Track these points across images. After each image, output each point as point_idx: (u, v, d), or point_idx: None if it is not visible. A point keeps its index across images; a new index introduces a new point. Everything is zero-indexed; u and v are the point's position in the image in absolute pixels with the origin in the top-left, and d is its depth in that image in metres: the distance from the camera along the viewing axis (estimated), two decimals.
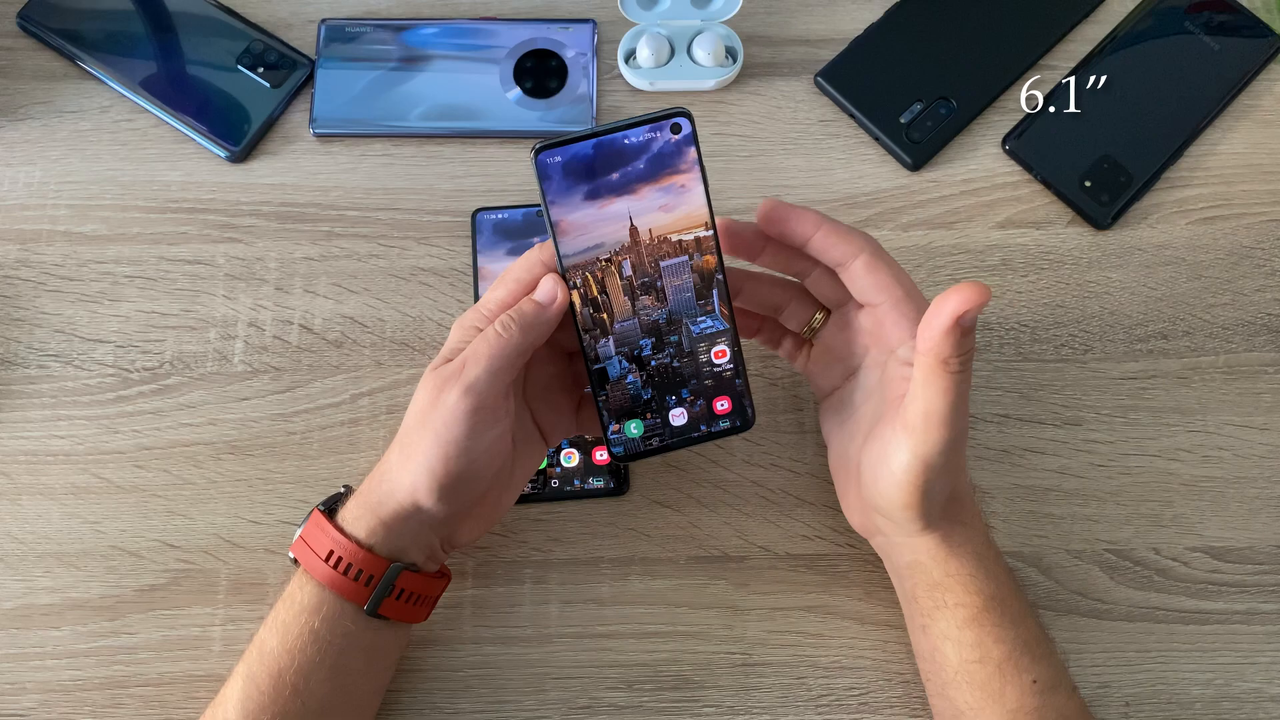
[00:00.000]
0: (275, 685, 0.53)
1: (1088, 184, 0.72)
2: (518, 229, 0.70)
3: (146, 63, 0.74)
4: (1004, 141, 0.74)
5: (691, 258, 0.55)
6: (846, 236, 0.54)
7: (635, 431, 0.57)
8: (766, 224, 0.55)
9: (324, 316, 0.69)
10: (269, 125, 0.73)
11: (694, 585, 0.64)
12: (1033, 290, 0.70)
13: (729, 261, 0.56)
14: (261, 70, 0.74)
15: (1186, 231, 0.72)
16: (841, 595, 0.64)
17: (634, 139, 0.52)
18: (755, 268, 0.58)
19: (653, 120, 0.53)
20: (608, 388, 0.56)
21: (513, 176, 0.73)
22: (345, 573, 0.53)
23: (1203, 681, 0.63)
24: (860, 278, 0.54)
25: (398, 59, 0.75)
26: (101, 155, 0.73)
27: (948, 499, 0.55)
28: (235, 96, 0.74)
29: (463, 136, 0.74)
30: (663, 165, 0.53)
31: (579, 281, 0.54)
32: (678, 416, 0.57)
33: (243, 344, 0.69)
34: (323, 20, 0.76)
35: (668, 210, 0.54)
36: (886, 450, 0.53)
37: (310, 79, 0.75)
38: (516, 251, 0.70)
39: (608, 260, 0.54)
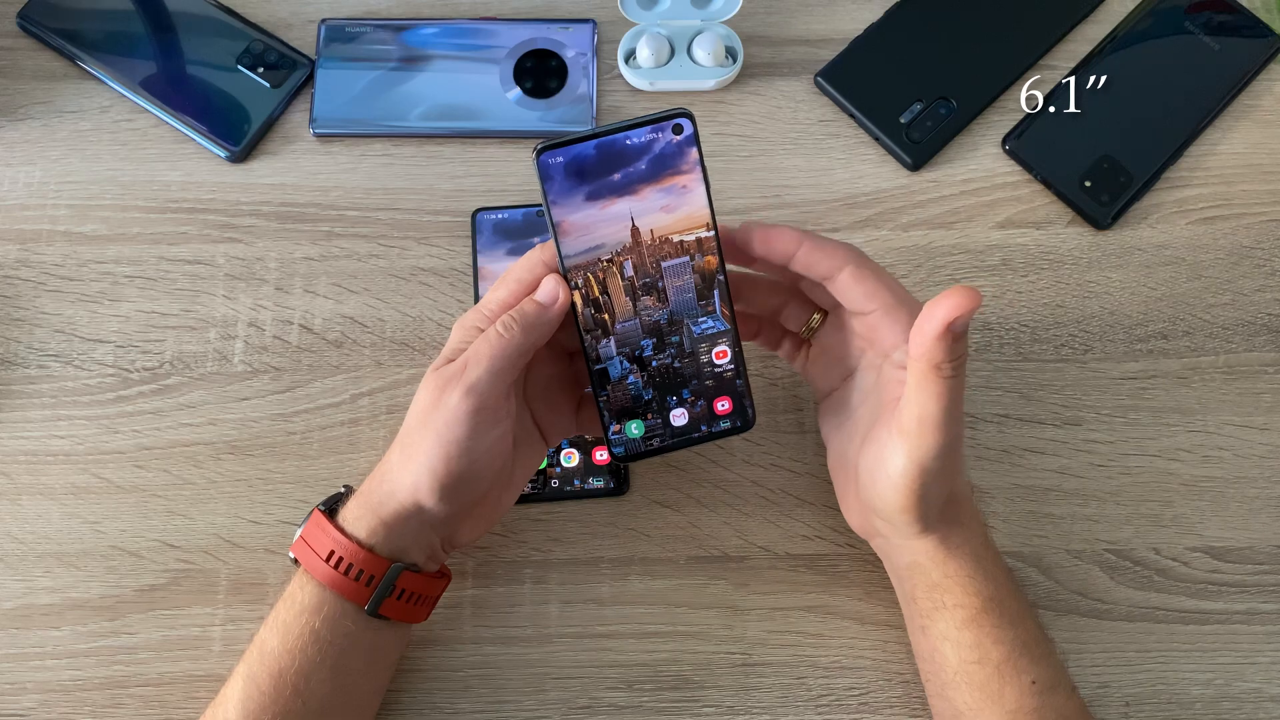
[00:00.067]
0: (276, 685, 0.53)
1: (1088, 184, 0.72)
2: (518, 229, 0.70)
3: (146, 63, 0.74)
4: (1004, 141, 0.74)
5: (693, 258, 0.55)
6: (829, 251, 0.54)
7: (636, 432, 0.57)
8: (746, 248, 0.55)
9: (324, 316, 0.69)
10: (269, 125, 0.73)
11: (694, 585, 0.64)
12: (1033, 290, 0.71)
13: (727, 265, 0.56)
14: (261, 70, 0.74)
15: (1186, 231, 0.72)
16: (841, 595, 0.64)
17: (636, 139, 0.52)
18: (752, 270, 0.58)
19: (654, 121, 0.53)
20: (609, 388, 0.56)
21: (513, 176, 0.73)
22: (346, 573, 0.53)
23: (1203, 681, 0.63)
24: (848, 289, 0.54)
25: (398, 59, 0.75)
26: (101, 155, 0.73)
27: (945, 501, 0.55)
28: (235, 96, 0.74)
29: (463, 136, 0.74)
30: (664, 166, 0.53)
31: (580, 282, 0.54)
32: (678, 417, 0.57)
33: (243, 344, 0.69)
34: (323, 20, 0.76)
35: (669, 211, 0.54)
36: (883, 454, 0.53)
37: (310, 79, 0.75)
38: (516, 252, 0.70)
39: (609, 261, 0.54)
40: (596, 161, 0.52)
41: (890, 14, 0.77)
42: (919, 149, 0.73)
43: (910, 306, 0.53)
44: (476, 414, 0.51)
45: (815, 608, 0.64)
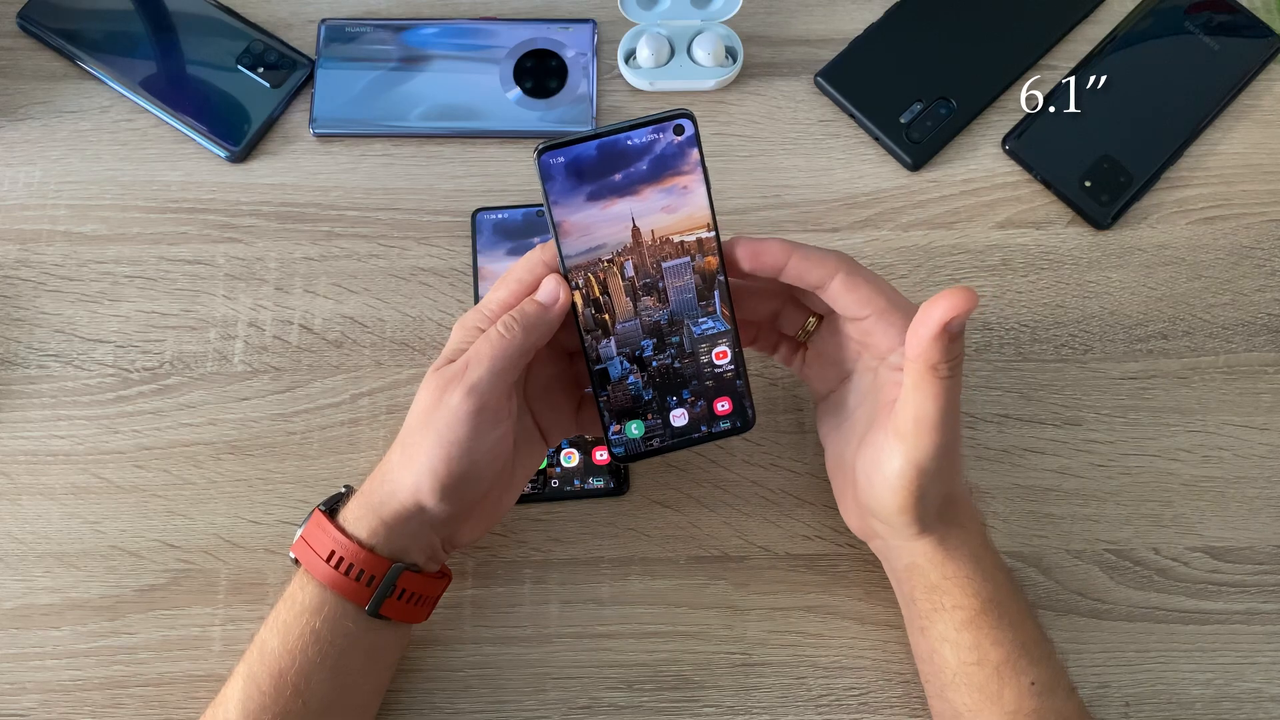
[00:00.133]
0: (276, 685, 0.53)
1: (1088, 184, 0.72)
2: (518, 229, 0.70)
3: (146, 63, 0.74)
4: (1004, 141, 0.74)
5: (693, 259, 0.55)
6: (818, 260, 0.54)
7: (636, 432, 0.57)
8: (734, 265, 0.55)
9: (324, 316, 0.69)
10: (269, 125, 0.73)
11: (694, 585, 0.64)
12: (1033, 290, 0.71)
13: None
14: (261, 70, 0.74)
15: (1186, 231, 0.72)
16: (841, 595, 0.64)
17: (637, 140, 0.53)
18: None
19: (656, 121, 0.53)
20: (609, 388, 0.56)
21: (513, 176, 0.73)
22: (346, 573, 0.53)
23: (1203, 681, 0.63)
24: (841, 297, 0.54)
25: (398, 59, 0.75)
26: (101, 155, 0.73)
27: (943, 502, 0.55)
28: (235, 96, 0.74)
29: (463, 136, 0.74)
30: (665, 166, 0.53)
31: (581, 282, 0.54)
32: (678, 417, 0.57)
33: (243, 344, 0.69)
34: (323, 20, 0.76)
35: (670, 211, 0.54)
36: (880, 456, 0.53)
37: (310, 79, 0.75)
38: (516, 251, 0.70)
39: (610, 261, 0.54)
40: (597, 162, 0.52)
41: (890, 14, 0.77)
42: (919, 149, 0.73)
43: (904, 309, 0.53)
44: (477, 414, 0.51)
45: (815, 608, 0.64)
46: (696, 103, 0.74)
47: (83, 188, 0.72)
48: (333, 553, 0.53)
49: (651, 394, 0.56)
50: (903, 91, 0.74)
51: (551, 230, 0.53)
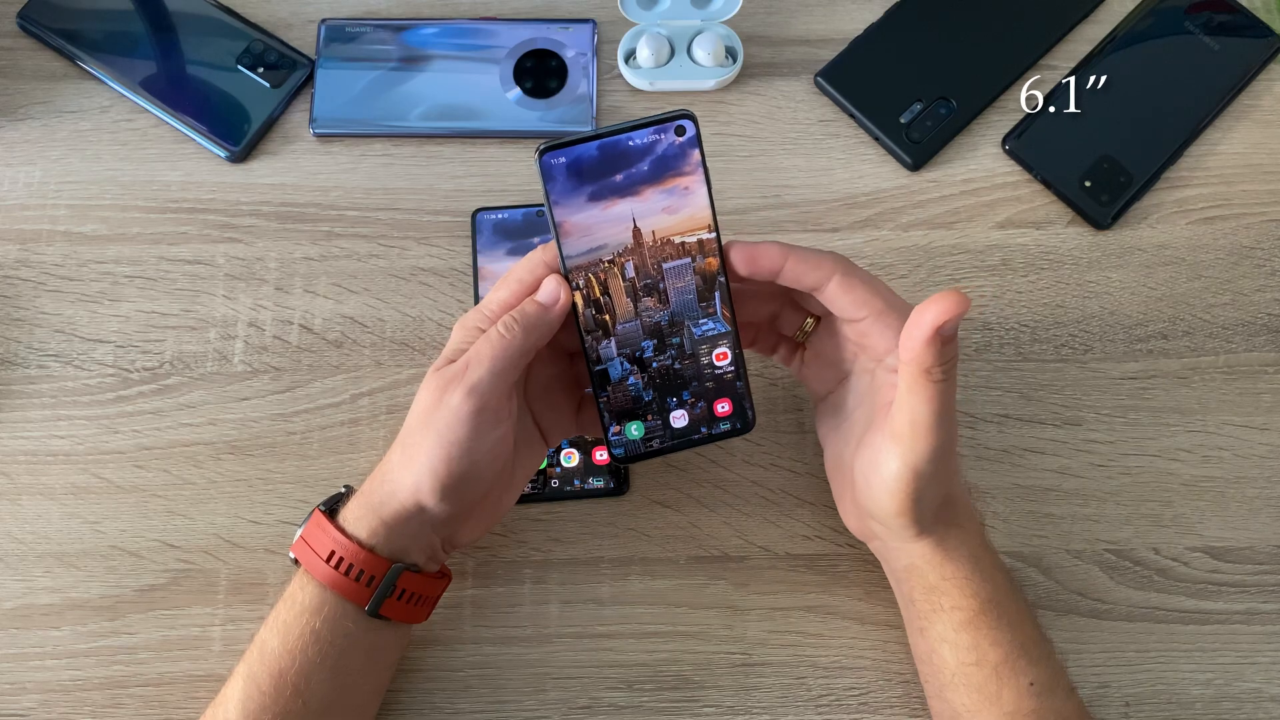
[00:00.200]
0: (276, 685, 0.53)
1: (1088, 184, 0.72)
2: (518, 229, 0.70)
3: (146, 63, 0.74)
4: (1004, 141, 0.74)
5: (694, 260, 0.55)
6: (815, 262, 0.54)
7: (636, 433, 0.57)
8: (730, 269, 0.55)
9: (324, 316, 0.69)
10: (269, 125, 0.73)
11: (694, 585, 0.64)
12: (1033, 290, 0.71)
13: None
14: (261, 70, 0.74)
15: (1186, 231, 0.72)
16: (841, 595, 0.64)
17: (638, 141, 0.53)
18: None
19: (657, 122, 0.53)
20: (609, 389, 0.56)
21: (513, 176, 0.73)
22: (346, 573, 0.53)
23: (1203, 681, 0.63)
24: (837, 299, 0.54)
25: (398, 59, 0.75)
26: (101, 155, 0.73)
27: (941, 503, 0.55)
28: (235, 96, 0.73)
29: (463, 136, 0.74)
30: (666, 167, 0.53)
31: (582, 283, 0.54)
32: (678, 418, 0.57)
33: (243, 344, 0.69)
34: (323, 20, 0.76)
35: (671, 212, 0.54)
36: (877, 458, 0.53)
37: (310, 79, 0.75)
38: (516, 251, 0.70)
39: (610, 262, 0.54)
40: (599, 162, 0.52)
41: (890, 14, 0.77)
42: (919, 149, 0.73)
43: (901, 311, 0.53)
44: (478, 415, 0.51)
45: (815, 608, 0.64)
46: (696, 103, 0.74)
47: (83, 188, 0.72)
48: (333, 553, 0.53)
49: (651, 395, 0.56)
50: (903, 91, 0.74)
51: (552, 230, 0.53)
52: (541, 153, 0.52)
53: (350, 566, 0.53)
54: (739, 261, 0.54)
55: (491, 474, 0.54)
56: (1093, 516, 0.66)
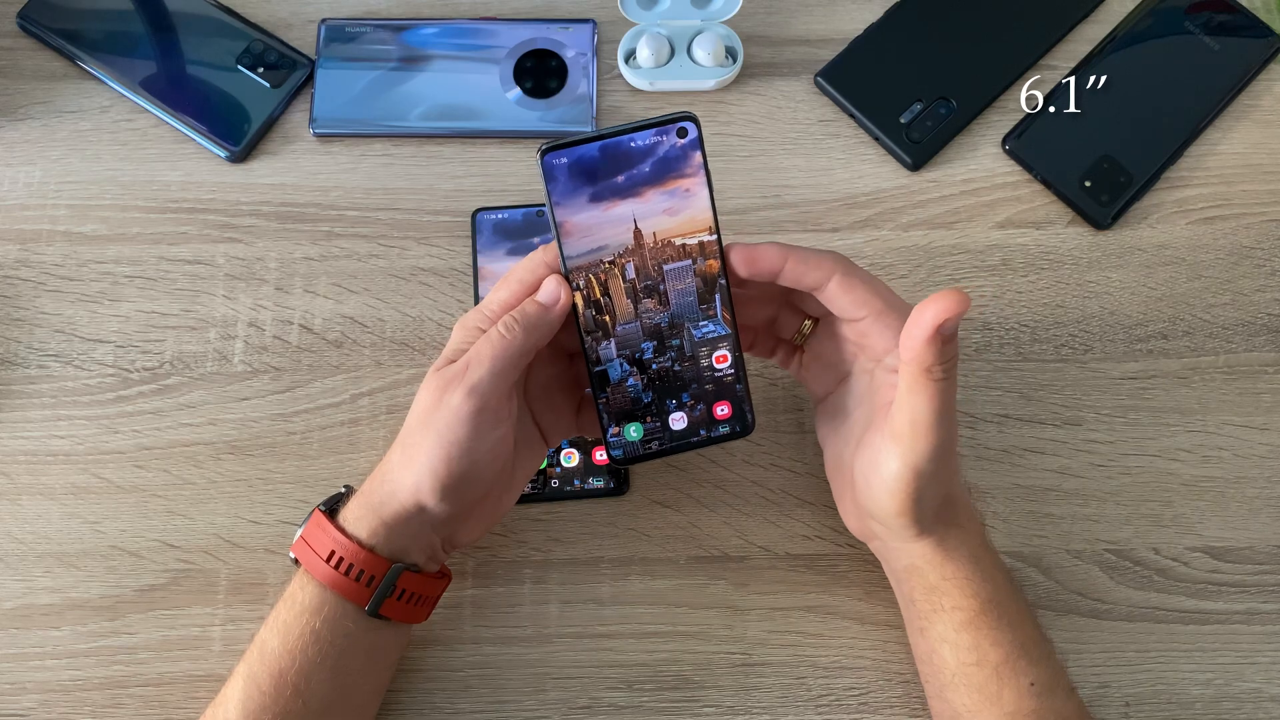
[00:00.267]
0: (276, 685, 0.53)
1: (1088, 184, 0.72)
2: (518, 229, 0.70)
3: (146, 63, 0.74)
4: (1004, 141, 0.74)
5: (695, 262, 0.55)
6: (815, 262, 0.54)
7: (635, 435, 0.57)
8: (730, 271, 0.55)
9: (324, 316, 0.69)
10: (269, 125, 0.73)
11: (694, 585, 0.64)
12: (1033, 290, 0.71)
13: None
14: (261, 70, 0.74)
15: (1186, 231, 0.72)
16: (841, 595, 0.64)
17: (640, 142, 0.53)
18: None
19: (659, 123, 0.53)
20: (608, 390, 0.56)
21: (513, 176, 0.73)
22: (346, 573, 0.53)
23: (1203, 681, 0.63)
24: (837, 298, 0.54)
25: (398, 59, 0.75)
26: (101, 155, 0.73)
27: (941, 503, 0.55)
28: (235, 96, 0.73)
29: (463, 136, 0.74)
30: (668, 169, 0.53)
31: (582, 283, 0.54)
32: (677, 420, 0.57)
33: (243, 344, 0.69)
34: (323, 20, 0.76)
35: (672, 214, 0.54)
36: (877, 458, 0.53)
37: (310, 79, 0.74)
38: (516, 252, 0.70)
39: (611, 262, 0.54)
40: (600, 163, 0.52)
41: (890, 14, 0.77)
42: (919, 149, 0.73)
43: (901, 310, 0.53)
44: (478, 415, 0.51)
45: (815, 608, 0.64)
46: (696, 103, 0.74)
47: (83, 188, 0.72)
48: (333, 553, 0.53)
49: (651, 397, 0.56)
50: (903, 91, 0.74)
51: (553, 230, 0.53)
52: (543, 152, 0.52)
53: (350, 566, 0.53)
54: (739, 263, 0.54)
55: (491, 474, 0.54)
56: (1093, 516, 0.66)
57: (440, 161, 0.73)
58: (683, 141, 0.53)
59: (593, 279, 0.54)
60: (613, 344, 0.55)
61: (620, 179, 0.53)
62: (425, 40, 0.75)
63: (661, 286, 0.55)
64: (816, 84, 0.75)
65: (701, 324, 0.56)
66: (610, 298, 0.55)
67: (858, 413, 0.57)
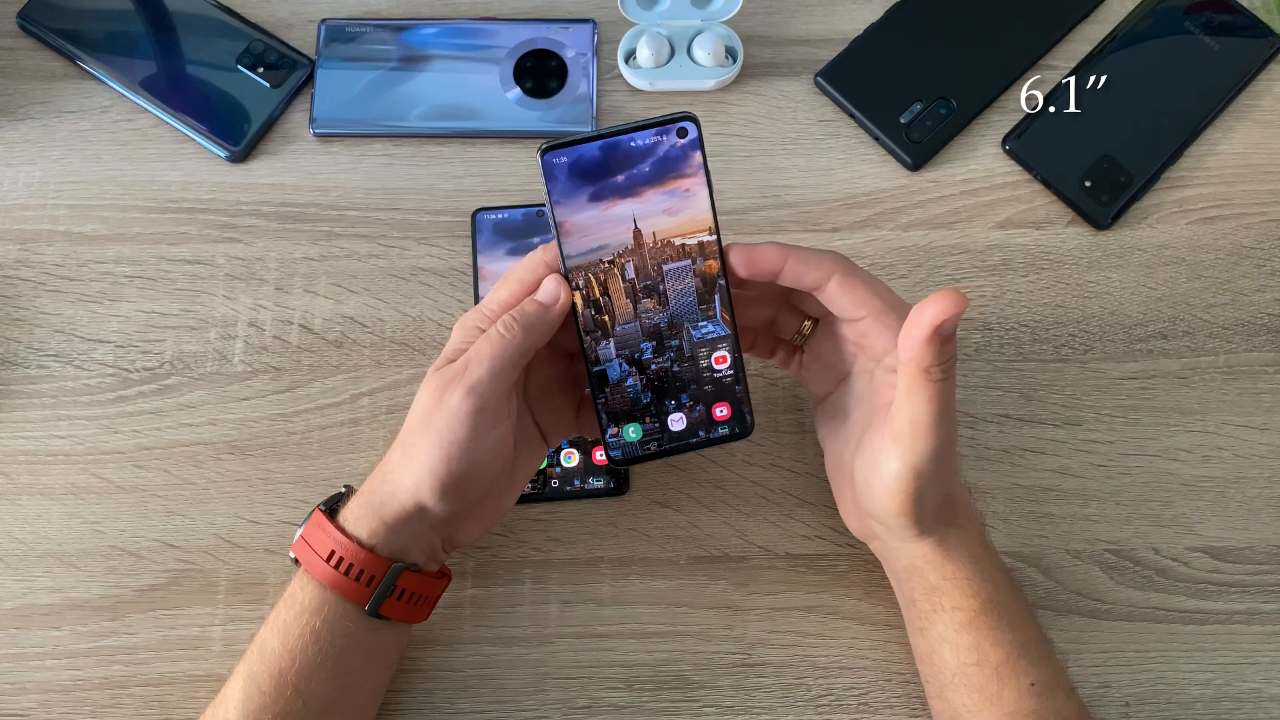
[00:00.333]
0: (276, 685, 0.53)
1: (1088, 184, 0.72)
2: (518, 229, 0.70)
3: (146, 63, 0.74)
4: (1004, 141, 0.74)
5: (694, 262, 0.55)
6: (815, 261, 0.54)
7: (633, 435, 0.57)
8: (730, 272, 0.55)
9: (324, 316, 0.69)
10: (269, 125, 0.73)
11: (694, 585, 0.64)
12: (1033, 290, 0.71)
13: None
14: (261, 70, 0.74)
15: (1186, 231, 0.72)
16: (841, 595, 0.64)
17: (640, 142, 0.53)
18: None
19: (659, 124, 0.53)
20: (607, 390, 0.56)
21: (513, 176, 0.73)
22: (346, 573, 0.53)
23: (1203, 681, 0.63)
24: (837, 298, 0.54)
25: (398, 59, 0.75)
26: (101, 155, 0.73)
27: (941, 503, 0.55)
28: (235, 96, 0.73)
29: (463, 136, 0.74)
30: (668, 169, 0.53)
31: (581, 283, 0.54)
32: (676, 421, 0.57)
33: (243, 344, 0.69)
34: (323, 20, 0.76)
35: (672, 214, 0.54)
36: (877, 459, 0.53)
37: (310, 79, 0.75)
38: (516, 251, 0.70)
39: (610, 262, 0.54)
40: (600, 163, 0.52)
41: (890, 14, 0.77)
42: (919, 149, 0.73)
43: (900, 310, 0.53)
44: (478, 414, 0.51)
45: (815, 608, 0.64)
46: (696, 103, 0.74)
47: (83, 188, 0.72)
48: (333, 553, 0.53)
49: (650, 397, 0.56)
50: (903, 91, 0.74)
51: (553, 230, 0.53)
52: (544, 152, 0.52)
53: (350, 566, 0.53)
54: (739, 263, 0.54)
55: (491, 474, 0.54)
56: (1093, 516, 0.66)
57: (440, 161, 0.73)
58: (683, 141, 0.53)
59: (592, 279, 0.54)
60: (612, 344, 0.55)
61: (620, 179, 0.53)
62: (425, 40, 0.75)
63: (661, 286, 0.55)
64: (816, 84, 0.75)
65: (701, 324, 0.56)
66: (610, 297, 0.55)
67: (857, 413, 0.57)
